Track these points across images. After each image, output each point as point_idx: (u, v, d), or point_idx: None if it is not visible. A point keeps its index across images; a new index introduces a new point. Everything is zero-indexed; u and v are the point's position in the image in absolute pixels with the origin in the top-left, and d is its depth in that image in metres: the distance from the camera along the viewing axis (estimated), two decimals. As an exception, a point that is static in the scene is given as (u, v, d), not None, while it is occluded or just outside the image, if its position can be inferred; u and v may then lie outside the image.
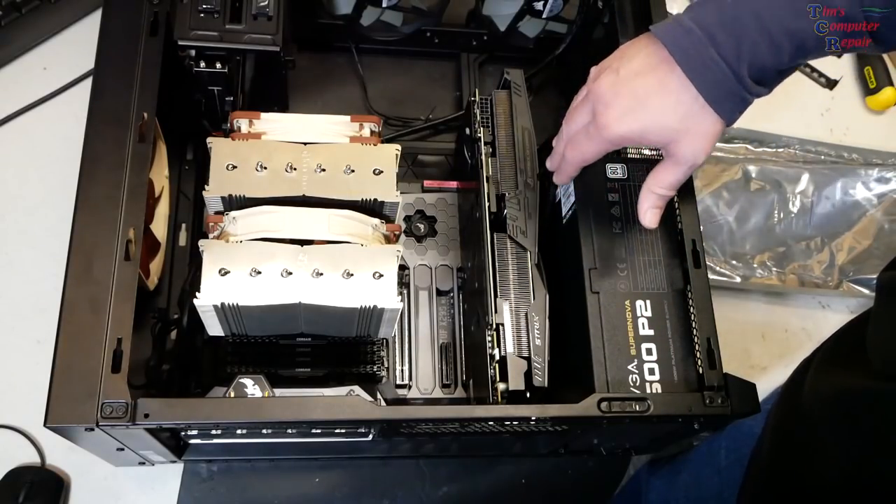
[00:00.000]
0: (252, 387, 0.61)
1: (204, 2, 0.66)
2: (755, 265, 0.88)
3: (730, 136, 0.93)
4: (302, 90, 0.85)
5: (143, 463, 0.70)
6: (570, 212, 0.68)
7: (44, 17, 0.86)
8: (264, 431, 0.60)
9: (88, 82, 0.64)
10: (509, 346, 0.63)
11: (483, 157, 0.69)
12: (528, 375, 0.62)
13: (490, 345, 0.63)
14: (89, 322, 0.55)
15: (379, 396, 0.72)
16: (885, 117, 1.01)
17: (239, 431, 0.60)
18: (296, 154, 0.64)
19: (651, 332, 0.64)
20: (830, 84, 1.01)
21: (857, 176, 0.92)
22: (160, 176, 0.72)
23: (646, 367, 0.62)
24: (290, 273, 0.59)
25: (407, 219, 0.79)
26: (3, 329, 0.75)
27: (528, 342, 0.63)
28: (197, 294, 0.58)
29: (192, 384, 0.70)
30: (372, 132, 0.68)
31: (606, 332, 0.63)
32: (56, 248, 0.66)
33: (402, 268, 0.69)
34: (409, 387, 0.74)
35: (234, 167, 0.62)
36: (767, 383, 0.71)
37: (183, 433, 0.60)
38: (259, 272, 0.59)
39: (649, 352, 0.63)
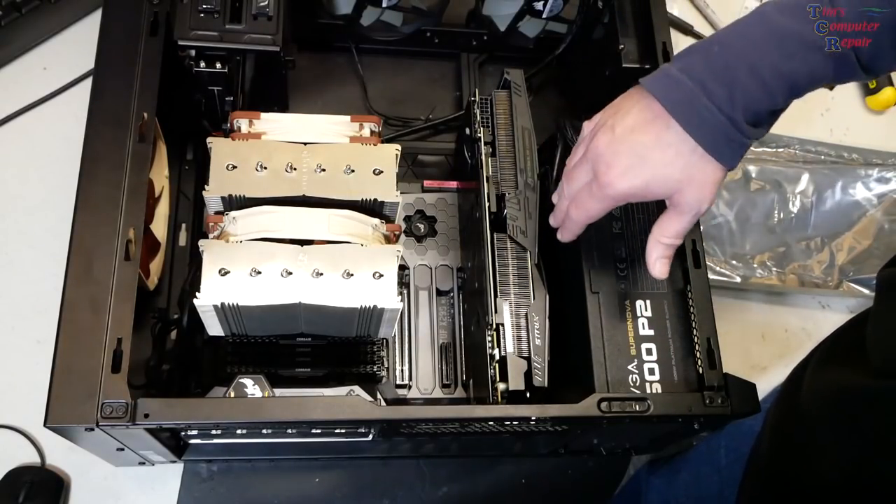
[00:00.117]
0: (252, 387, 0.61)
1: (204, 2, 0.66)
2: (755, 265, 0.88)
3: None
4: (302, 90, 0.85)
5: (143, 463, 0.70)
6: (570, 212, 0.68)
7: (44, 17, 0.86)
8: (264, 431, 0.60)
9: (88, 82, 0.64)
10: (509, 346, 0.63)
11: (483, 157, 0.69)
12: (528, 375, 0.62)
13: (490, 345, 0.63)
14: (89, 322, 0.55)
15: (379, 396, 0.72)
16: (885, 117, 1.01)
17: (239, 431, 0.60)
18: (296, 154, 0.64)
19: (651, 332, 0.64)
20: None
21: (857, 176, 0.92)
22: (160, 176, 0.72)
23: (646, 367, 0.62)
24: (290, 273, 0.59)
25: (407, 219, 0.79)
26: (3, 329, 0.75)
27: (528, 342, 0.63)
28: (197, 294, 0.58)
29: (192, 384, 0.70)
30: (372, 132, 0.68)
31: (606, 332, 0.63)
32: (56, 248, 0.66)
33: (402, 268, 0.69)
34: (409, 387, 0.74)
35: (234, 167, 0.62)
36: (767, 383, 0.71)
37: (183, 433, 0.60)
38: (259, 272, 0.59)
39: (649, 352, 0.63)
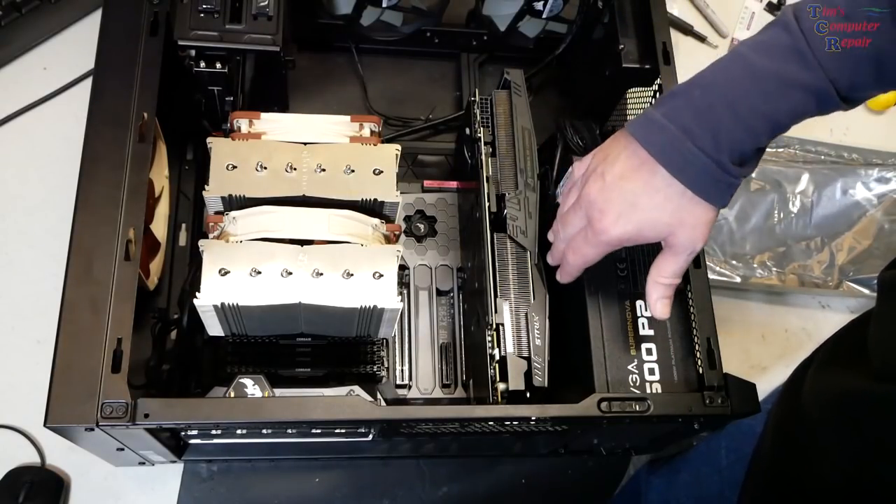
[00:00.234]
0: (252, 387, 0.60)
1: (204, 2, 0.66)
2: (755, 265, 0.88)
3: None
4: (302, 90, 0.85)
5: (143, 463, 0.70)
6: (570, 212, 0.67)
7: (44, 17, 0.86)
8: (264, 431, 0.60)
9: (88, 82, 0.64)
10: (509, 346, 0.63)
11: (483, 157, 0.69)
12: (528, 375, 0.62)
13: (490, 345, 0.63)
14: (89, 322, 0.55)
15: (379, 396, 0.72)
16: (885, 117, 1.01)
17: (239, 431, 0.60)
18: (296, 154, 0.64)
19: (651, 332, 0.64)
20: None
21: (857, 176, 0.92)
22: (160, 176, 0.72)
23: (646, 367, 0.62)
24: (290, 273, 0.59)
25: (407, 219, 0.79)
26: (3, 329, 0.75)
27: (528, 342, 0.63)
28: (197, 294, 0.58)
29: (192, 384, 0.70)
30: (372, 132, 0.68)
31: (606, 332, 0.63)
32: (56, 248, 0.66)
33: (402, 268, 0.69)
34: (409, 387, 0.74)
35: (234, 167, 0.62)
36: (767, 383, 0.71)
37: (183, 433, 0.60)
38: (259, 272, 0.59)
39: (649, 352, 0.63)
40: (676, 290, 0.64)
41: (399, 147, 0.65)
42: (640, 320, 0.64)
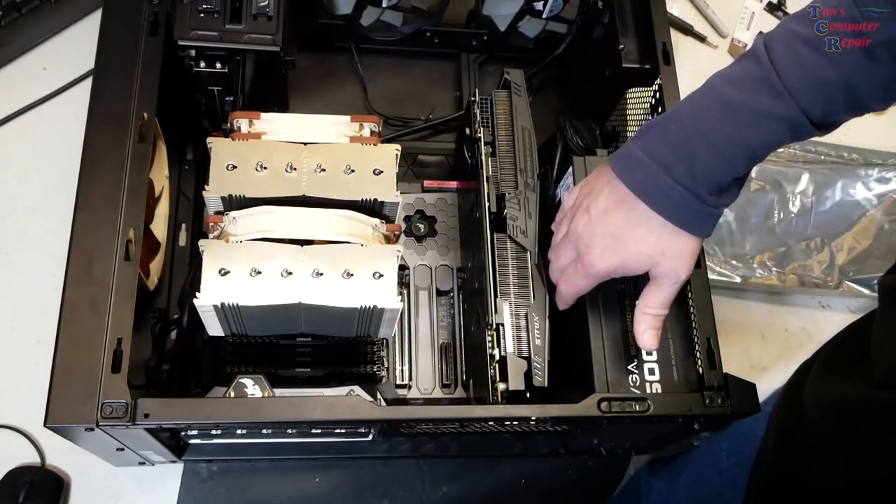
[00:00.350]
0: (252, 387, 0.61)
1: (204, 2, 0.66)
2: (755, 265, 0.88)
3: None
4: (302, 90, 0.85)
5: (143, 463, 0.70)
6: (570, 212, 0.67)
7: (44, 17, 0.86)
8: (264, 431, 0.60)
9: (88, 82, 0.64)
10: (509, 346, 0.63)
11: (483, 157, 0.69)
12: (528, 375, 0.62)
13: (490, 345, 0.63)
14: (89, 322, 0.55)
15: (379, 396, 0.72)
16: (885, 117, 1.01)
17: (239, 431, 0.60)
18: (296, 154, 0.64)
19: (651, 332, 0.63)
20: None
21: (857, 176, 0.92)
22: (160, 176, 0.72)
23: (646, 367, 0.62)
24: (290, 273, 0.59)
25: (407, 219, 0.79)
26: (3, 329, 0.75)
27: (528, 342, 0.63)
28: (197, 294, 0.58)
29: (192, 384, 0.70)
30: (372, 132, 0.68)
31: (606, 332, 0.63)
32: (56, 248, 0.66)
33: (402, 268, 0.69)
34: (409, 387, 0.74)
35: (234, 167, 0.62)
36: (767, 383, 0.71)
37: (183, 433, 0.60)
38: (259, 272, 0.59)
39: (649, 352, 0.63)
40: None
41: (399, 147, 0.66)
42: (640, 320, 0.64)
